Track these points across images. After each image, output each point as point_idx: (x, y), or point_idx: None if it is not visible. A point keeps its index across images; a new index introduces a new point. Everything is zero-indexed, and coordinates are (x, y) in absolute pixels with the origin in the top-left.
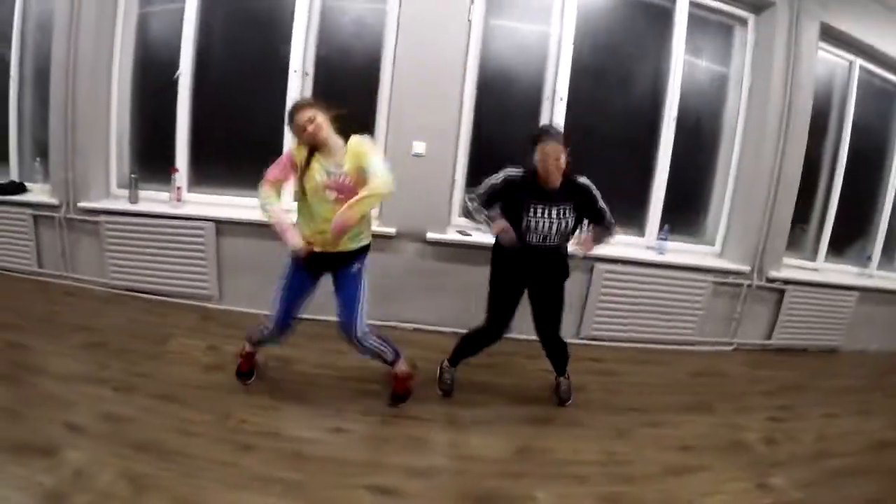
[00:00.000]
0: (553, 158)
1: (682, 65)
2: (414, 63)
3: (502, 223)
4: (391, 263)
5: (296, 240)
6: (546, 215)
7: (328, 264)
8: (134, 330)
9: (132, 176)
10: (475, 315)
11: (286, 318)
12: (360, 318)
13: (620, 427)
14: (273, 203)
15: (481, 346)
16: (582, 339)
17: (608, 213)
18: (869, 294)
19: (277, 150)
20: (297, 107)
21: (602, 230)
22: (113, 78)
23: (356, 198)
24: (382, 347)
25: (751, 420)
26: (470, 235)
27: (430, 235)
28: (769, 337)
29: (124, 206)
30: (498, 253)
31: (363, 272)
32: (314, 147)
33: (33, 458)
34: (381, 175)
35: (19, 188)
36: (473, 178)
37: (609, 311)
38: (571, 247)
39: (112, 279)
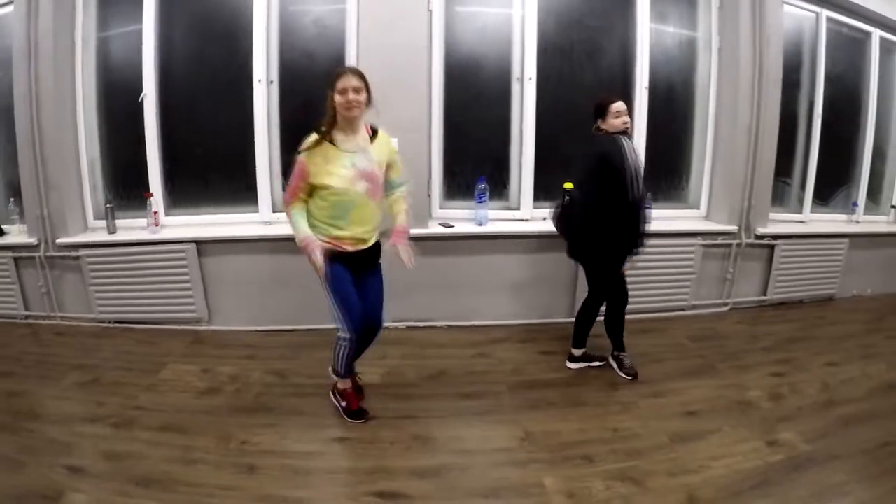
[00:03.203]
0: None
1: (648, 32)
2: (378, 59)
3: None
4: None
5: (320, 261)
6: None
7: (361, 263)
8: (127, 363)
9: (107, 205)
10: (463, 305)
11: (360, 320)
12: None
13: (624, 401)
14: (299, 220)
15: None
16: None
17: None
18: (859, 239)
19: (249, 164)
20: (347, 71)
21: None
22: (78, 106)
23: (403, 196)
24: None
25: (754, 378)
26: (452, 227)
27: (412, 231)
28: (764, 293)
29: (103, 237)
30: (607, 224)
31: None
32: (331, 126)
33: None
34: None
35: None
36: (450, 170)
37: None
38: None
39: (100, 313)
